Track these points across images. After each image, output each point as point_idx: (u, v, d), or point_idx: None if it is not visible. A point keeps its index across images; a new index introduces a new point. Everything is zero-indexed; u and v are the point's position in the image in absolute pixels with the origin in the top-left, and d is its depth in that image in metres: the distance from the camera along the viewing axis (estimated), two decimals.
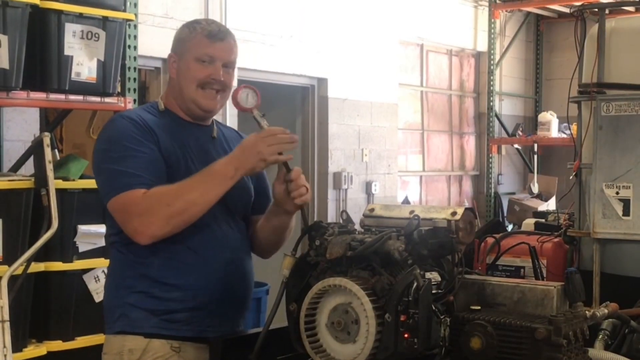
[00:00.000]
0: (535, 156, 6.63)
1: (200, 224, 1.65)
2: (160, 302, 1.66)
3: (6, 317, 2.44)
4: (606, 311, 1.62)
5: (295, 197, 1.66)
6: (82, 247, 2.84)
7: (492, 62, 6.72)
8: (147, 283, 1.67)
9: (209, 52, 1.72)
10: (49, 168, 2.65)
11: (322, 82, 5.19)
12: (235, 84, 5.61)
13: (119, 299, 1.69)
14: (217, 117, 5.07)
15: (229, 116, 4.47)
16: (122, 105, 3.08)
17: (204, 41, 1.72)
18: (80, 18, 2.90)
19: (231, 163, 1.63)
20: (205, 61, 1.72)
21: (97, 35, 2.96)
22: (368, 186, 5.46)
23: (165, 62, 4.26)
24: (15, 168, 3.03)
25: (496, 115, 6.83)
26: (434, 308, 1.43)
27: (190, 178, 1.64)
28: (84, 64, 2.93)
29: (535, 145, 6.61)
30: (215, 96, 1.75)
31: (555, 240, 2.91)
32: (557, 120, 6.59)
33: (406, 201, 5.87)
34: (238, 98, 1.69)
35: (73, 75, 2.90)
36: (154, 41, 3.94)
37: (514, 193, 6.93)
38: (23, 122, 3.35)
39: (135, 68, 3.28)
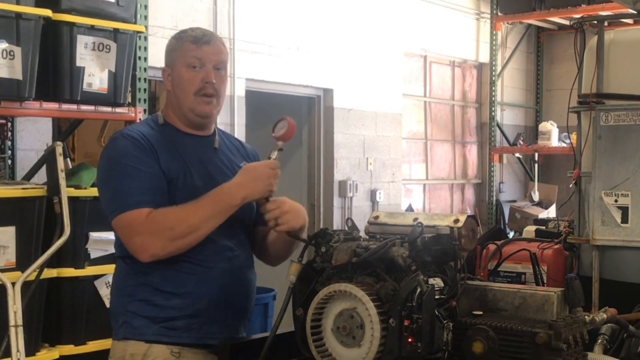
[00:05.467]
0: (536, 165, 6.66)
1: None
2: (160, 309, 1.68)
3: (19, 321, 2.46)
4: (605, 316, 1.65)
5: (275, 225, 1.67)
6: (94, 254, 2.88)
7: (493, 73, 6.77)
8: (148, 291, 1.69)
9: (199, 55, 1.72)
10: (61, 176, 2.68)
11: (328, 92, 5.23)
12: (242, 94, 5.62)
13: (122, 307, 1.72)
14: (225, 126, 5.11)
15: (237, 125, 4.53)
16: (133, 115, 3.11)
17: (191, 47, 1.73)
18: (91, 30, 2.94)
19: (239, 191, 1.65)
20: (195, 66, 1.72)
21: (108, 47, 3.00)
22: (373, 194, 5.50)
23: None
24: (28, 176, 3.09)
25: (498, 125, 6.87)
26: (437, 313, 1.44)
27: (196, 202, 1.64)
28: (96, 74, 2.96)
29: (536, 154, 6.64)
30: (210, 101, 1.75)
31: (556, 247, 2.94)
32: (557, 130, 6.63)
33: (410, 209, 5.90)
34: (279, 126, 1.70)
35: (85, 86, 2.94)
36: (163, 53, 3.98)
37: (515, 201, 6.96)
38: (36, 131, 3.40)
39: (145, 79, 3.31)
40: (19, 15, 2.72)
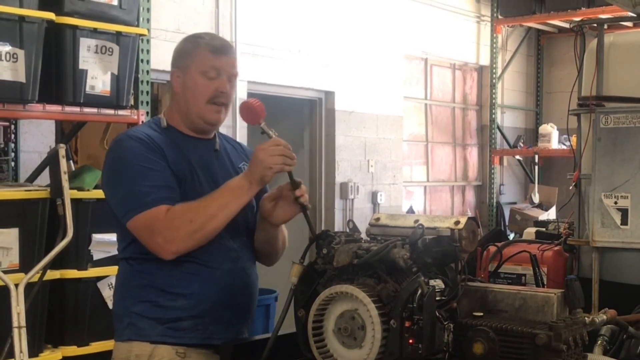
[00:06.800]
0: (536, 167, 6.68)
1: None
2: (166, 310, 1.69)
3: (22, 323, 2.47)
4: (605, 317, 1.66)
5: (299, 197, 1.69)
6: (97, 255, 2.90)
7: (494, 75, 6.79)
8: (153, 292, 1.70)
9: (215, 65, 1.73)
10: (64, 178, 2.70)
11: (329, 95, 5.25)
12: (245, 96, 5.68)
13: (126, 309, 1.72)
14: (227, 128, 5.11)
15: (239, 128, 4.54)
16: (135, 117, 3.14)
17: (209, 55, 1.74)
18: (94, 33, 2.97)
19: (245, 177, 1.67)
20: (211, 75, 1.74)
21: (111, 50, 3.02)
22: (374, 196, 5.52)
23: None
24: (31, 179, 3.10)
25: (498, 127, 6.89)
26: (437, 314, 1.45)
27: (210, 195, 1.66)
28: (98, 77, 2.99)
29: (536, 157, 6.66)
30: (221, 110, 1.77)
31: (556, 248, 2.95)
32: (557, 132, 6.64)
33: (411, 211, 5.91)
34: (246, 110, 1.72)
35: (87, 89, 2.96)
36: (166, 55, 4.00)
37: (515, 203, 6.98)
38: (39, 134, 3.41)
39: (147, 81, 3.33)
40: (22, 18, 2.75)
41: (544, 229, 3.37)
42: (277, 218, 1.75)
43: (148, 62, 3.35)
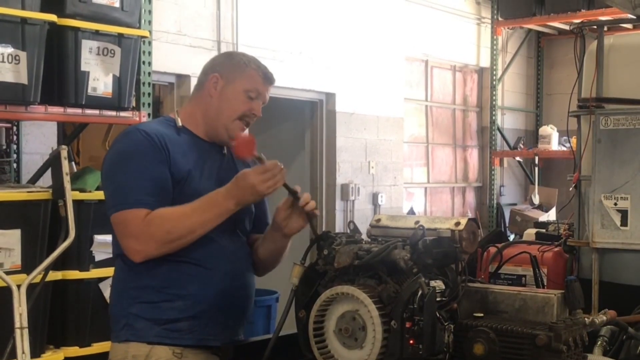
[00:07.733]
0: (536, 168, 6.69)
1: (203, 237, 1.69)
2: (163, 311, 1.69)
3: (25, 323, 2.49)
4: (605, 318, 1.67)
5: (306, 209, 1.72)
6: (98, 256, 2.90)
7: (494, 77, 6.80)
8: (150, 293, 1.70)
9: (260, 89, 1.81)
10: (66, 180, 2.71)
11: (330, 96, 5.26)
12: None
13: (123, 309, 1.72)
14: None
15: None
16: (137, 119, 3.15)
17: (259, 79, 1.82)
18: (96, 35, 2.98)
19: (232, 197, 1.67)
20: (252, 96, 1.80)
21: (112, 52, 3.04)
22: (374, 197, 5.53)
23: (179, 77, 4.38)
24: (33, 180, 3.09)
25: (498, 129, 6.91)
26: (438, 315, 1.47)
27: (191, 205, 1.66)
28: (100, 79, 3.00)
29: (536, 158, 6.67)
30: (244, 128, 1.83)
31: (556, 249, 2.95)
32: (557, 134, 6.65)
33: (411, 212, 5.92)
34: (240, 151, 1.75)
35: (89, 90, 2.98)
36: (167, 57, 4.03)
37: (515, 204, 6.99)
38: (41, 135, 3.41)
39: (149, 83, 3.35)
40: (24, 20, 2.76)
41: (544, 230, 3.37)
42: (290, 229, 1.77)
43: (150, 63, 3.36)
